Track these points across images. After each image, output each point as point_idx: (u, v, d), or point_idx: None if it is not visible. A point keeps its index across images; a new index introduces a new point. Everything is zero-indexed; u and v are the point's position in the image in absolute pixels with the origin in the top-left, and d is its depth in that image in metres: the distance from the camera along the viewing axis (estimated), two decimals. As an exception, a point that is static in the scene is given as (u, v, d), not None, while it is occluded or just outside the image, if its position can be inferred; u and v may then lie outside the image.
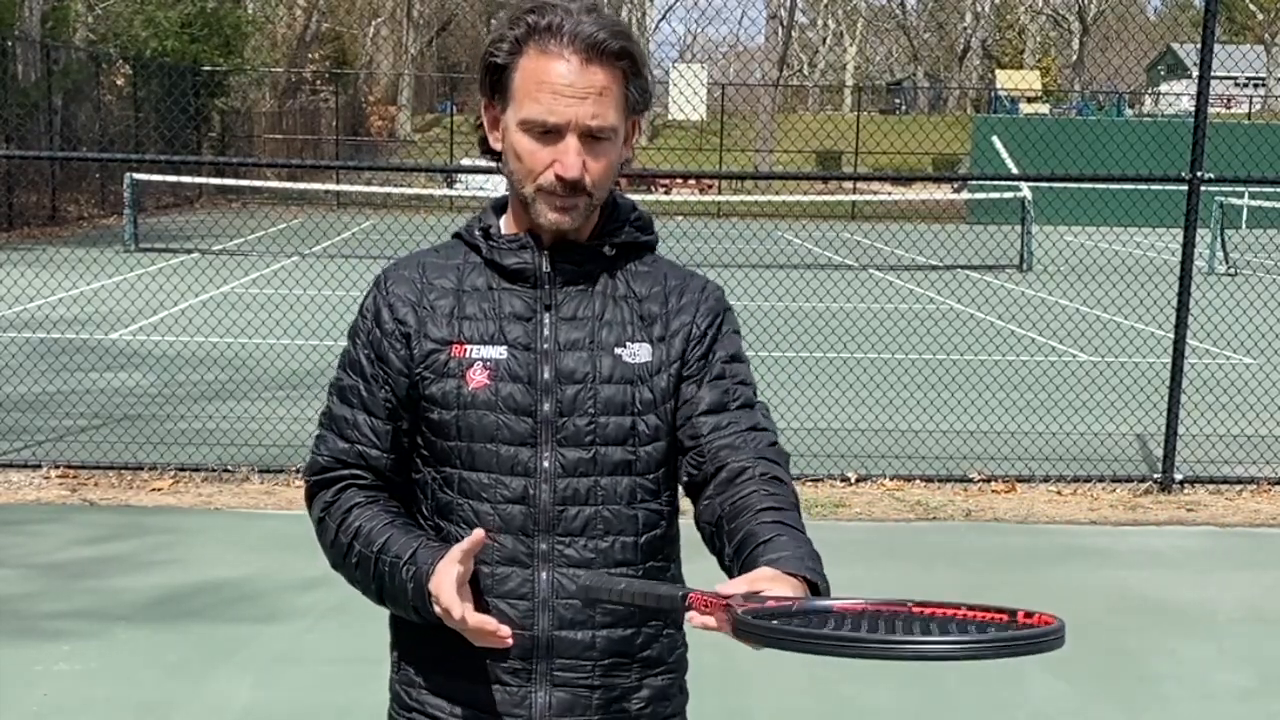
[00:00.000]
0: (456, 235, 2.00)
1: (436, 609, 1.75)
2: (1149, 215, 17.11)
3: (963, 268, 18.11)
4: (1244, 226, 27.52)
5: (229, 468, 7.33)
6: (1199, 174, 7.34)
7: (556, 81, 1.79)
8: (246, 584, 5.61)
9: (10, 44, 24.32)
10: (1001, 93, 47.95)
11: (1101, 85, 55.98)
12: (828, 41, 71.04)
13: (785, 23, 40.54)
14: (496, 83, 1.86)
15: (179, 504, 6.81)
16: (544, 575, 1.86)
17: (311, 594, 5.44)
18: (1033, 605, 1.45)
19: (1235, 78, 53.61)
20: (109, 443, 7.62)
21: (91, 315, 12.20)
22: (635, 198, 2.23)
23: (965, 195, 29.01)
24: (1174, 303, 7.64)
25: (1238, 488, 7.65)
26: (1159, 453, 7.71)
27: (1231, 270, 20.26)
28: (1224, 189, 22.14)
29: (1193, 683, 4.91)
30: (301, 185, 27.25)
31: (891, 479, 7.53)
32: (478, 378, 1.86)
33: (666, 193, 29.72)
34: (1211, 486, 7.65)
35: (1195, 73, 7.51)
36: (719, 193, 31.40)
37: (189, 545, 6.10)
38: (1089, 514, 7.09)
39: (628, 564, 1.89)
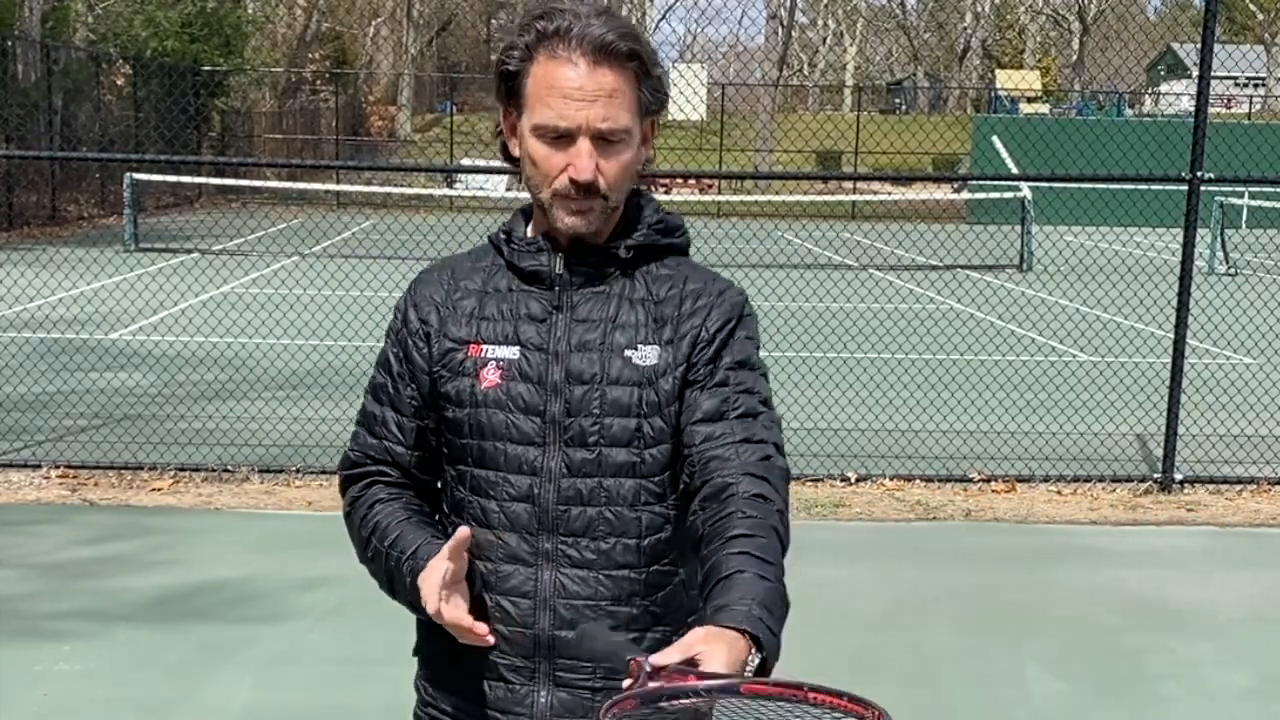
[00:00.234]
0: (490, 239, 2.03)
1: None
2: (1149, 215, 17.11)
3: (963, 268, 18.11)
4: (1244, 226, 27.52)
5: (229, 468, 7.33)
6: (1199, 174, 7.34)
7: (566, 86, 1.79)
8: (246, 584, 5.61)
9: (10, 44, 24.32)
10: (1001, 93, 47.96)
11: (1101, 85, 55.97)
12: (828, 41, 71.04)
13: (785, 23, 40.54)
14: (511, 89, 1.87)
15: (179, 504, 6.80)
16: (546, 575, 1.87)
17: (311, 594, 5.45)
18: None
19: (1235, 78, 53.62)
20: (109, 443, 7.62)
21: (91, 315, 12.20)
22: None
23: (965, 195, 29.01)
24: (1174, 303, 7.64)
25: (1238, 488, 7.65)
26: (1159, 453, 7.71)
27: (1231, 270, 20.26)
28: (1224, 189, 22.13)
29: (1192, 683, 4.91)
30: (301, 185, 27.25)
31: (891, 479, 7.53)
32: (490, 377, 1.89)
33: (666, 192, 29.74)
34: (1211, 486, 7.65)
35: (1195, 73, 7.51)
36: (719, 193, 31.42)
37: (189, 545, 6.10)
38: (1089, 514, 7.09)
39: (630, 566, 1.88)
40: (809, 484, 7.32)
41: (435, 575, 1.76)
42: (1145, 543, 6.65)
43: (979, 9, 60.74)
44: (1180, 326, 7.49)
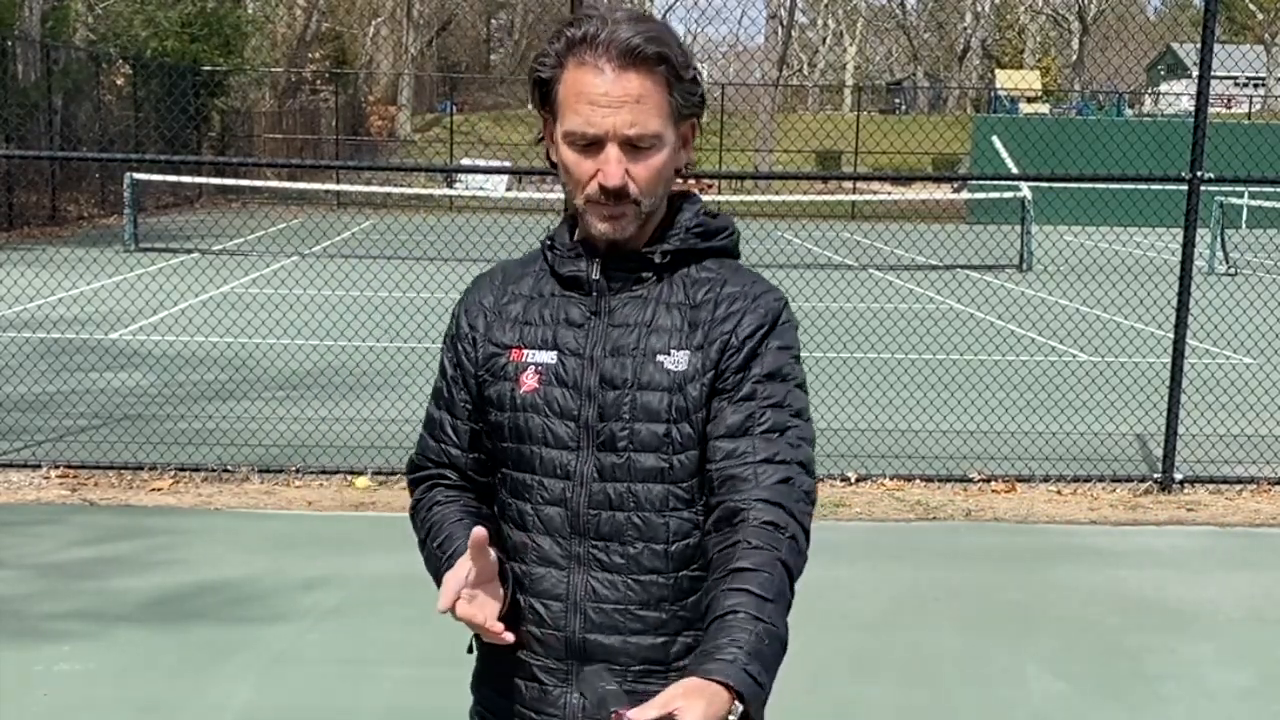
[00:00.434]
0: (540, 243, 2.05)
1: None
2: (1149, 215, 17.11)
3: (962, 267, 18.12)
4: (1244, 226, 27.53)
5: (229, 468, 7.33)
6: (1199, 174, 7.34)
7: (593, 92, 1.80)
8: (246, 584, 5.61)
9: (10, 44, 24.32)
10: (1001, 93, 47.96)
11: (1101, 85, 55.96)
12: (828, 41, 71.05)
13: (785, 23, 40.56)
14: (545, 96, 1.88)
15: (179, 504, 6.80)
16: (578, 578, 1.89)
17: (311, 594, 5.45)
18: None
19: (1235, 78, 53.64)
20: (109, 443, 7.63)
21: (91, 315, 12.20)
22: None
23: (965, 195, 29.01)
24: (1174, 303, 7.64)
25: (1238, 488, 7.65)
26: (1159, 452, 7.71)
27: (1231, 270, 20.27)
28: (1224, 189, 22.14)
29: (1192, 683, 4.91)
30: (301, 185, 27.27)
31: (891, 479, 7.53)
32: (529, 381, 1.91)
33: (666, 193, 29.71)
34: (1211, 486, 7.65)
35: (1195, 73, 7.51)
36: (719, 193, 31.42)
37: (189, 545, 6.10)
38: (1089, 514, 7.09)
39: (658, 571, 1.89)
40: (809, 484, 7.30)
41: (453, 576, 1.78)
42: (1145, 543, 6.65)
43: (979, 9, 60.76)
44: (1180, 326, 7.49)
